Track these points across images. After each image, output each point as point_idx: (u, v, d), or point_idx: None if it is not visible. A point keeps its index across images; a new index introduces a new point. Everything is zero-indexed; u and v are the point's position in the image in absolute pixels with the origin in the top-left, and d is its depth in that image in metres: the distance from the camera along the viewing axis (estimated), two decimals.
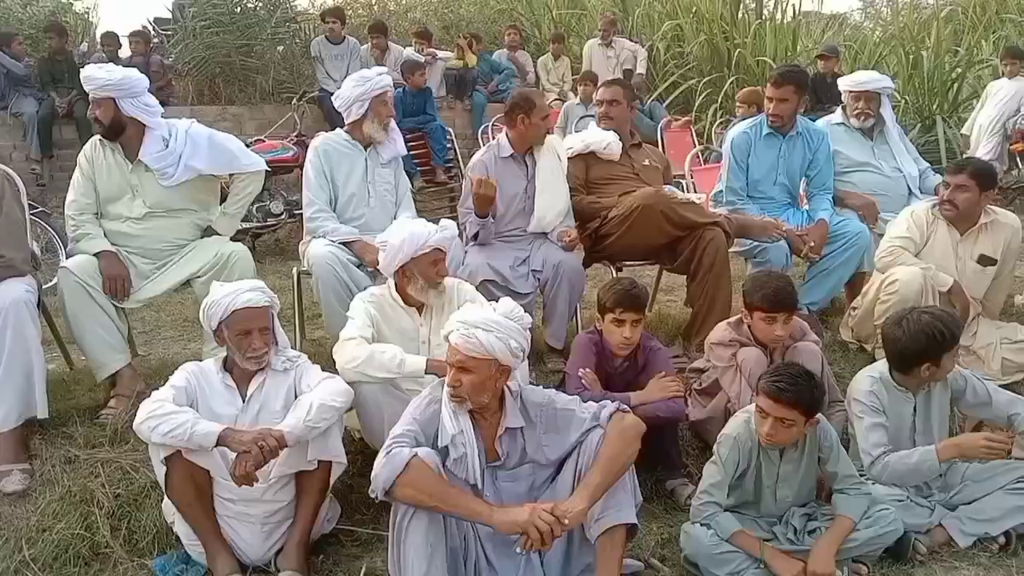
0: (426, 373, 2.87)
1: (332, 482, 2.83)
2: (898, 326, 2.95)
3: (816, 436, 2.79)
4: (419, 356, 2.94)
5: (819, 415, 2.74)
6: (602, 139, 4.32)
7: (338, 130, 4.12)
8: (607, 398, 2.98)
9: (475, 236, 3.98)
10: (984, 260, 3.87)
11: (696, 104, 9.05)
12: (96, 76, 3.47)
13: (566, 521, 2.28)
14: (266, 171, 4.09)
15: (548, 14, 11.75)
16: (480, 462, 2.49)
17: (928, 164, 4.85)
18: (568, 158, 4.29)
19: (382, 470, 2.31)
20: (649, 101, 9.01)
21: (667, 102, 9.40)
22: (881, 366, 3.05)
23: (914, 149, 4.93)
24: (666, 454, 3.18)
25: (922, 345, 2.89)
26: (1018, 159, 7.70)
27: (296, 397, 2.80)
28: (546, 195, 4.05)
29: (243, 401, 2.81)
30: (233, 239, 3.85)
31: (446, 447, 2.46)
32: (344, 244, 3.76)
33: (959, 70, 9.06)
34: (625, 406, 2.61)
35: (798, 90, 4.35)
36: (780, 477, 2.82)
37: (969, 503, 2.90)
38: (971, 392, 3.04)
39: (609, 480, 2.41)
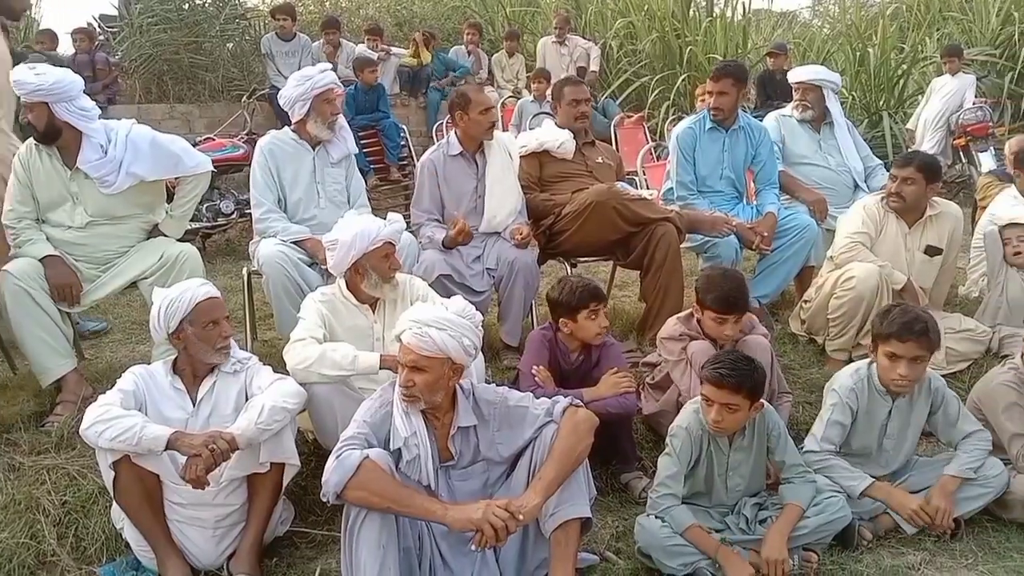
0: (380, 369, 2.86)
1: (285, 484, 2.79)
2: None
3: (764, 424, 2.83)
4: (372, 353, 2.92)
5: (763, 400, 2.78)
6: (556, 137, 4.33)
7: (285, 129, 4.05)
8: (560, 395, 3.01)
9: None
10: (931, 250, 3.99)
11: (649, 101, 9.11)
12: (26, 81, 3.26)
13: (520, 517, 2.28)
14: (216, 170, 4.02)
15: (502, 11, 11.75)
16: (433, 462, 2.48)
17: (880, 162, 4.96)
18: (522, 156, 4.30)
19: (333, 473, 2.29)
20: (603, 98, 9.07)
21: (620, 99, 9.47)
22: (867, 365, 3.08)
23: (865, 145, 5.04)
24: (620, 448, 3.21)
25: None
26: (961, 153, 7.90)
27: (247, 399, 2.76)
28: (496, 194, 4.05)
29: (193, 404, 2.77)
30: (183, 239, 3.76)
31: (399, 449, 2.44)
32: (295, 243, 3.72)
33: (904, 67, 9.27)
34: (578, 400, 2.62)
35: (736, 83, 4.46)
36: (730, 466, 2.85)
37: (915, 492, 2.95)
38: (943, 411, 3.05)
39: (563, 475, 2.42)
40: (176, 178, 3.79)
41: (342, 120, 4.08)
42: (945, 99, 8.01)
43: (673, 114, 8.77)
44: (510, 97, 9.09)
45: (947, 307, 4.36)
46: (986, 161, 7.18)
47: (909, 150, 6.82)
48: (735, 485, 2.88)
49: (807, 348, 4.18)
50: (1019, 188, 4.51)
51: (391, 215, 3.16)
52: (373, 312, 3.13)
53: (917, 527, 2.86)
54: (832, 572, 2.71)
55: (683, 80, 9.14)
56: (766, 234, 4.24)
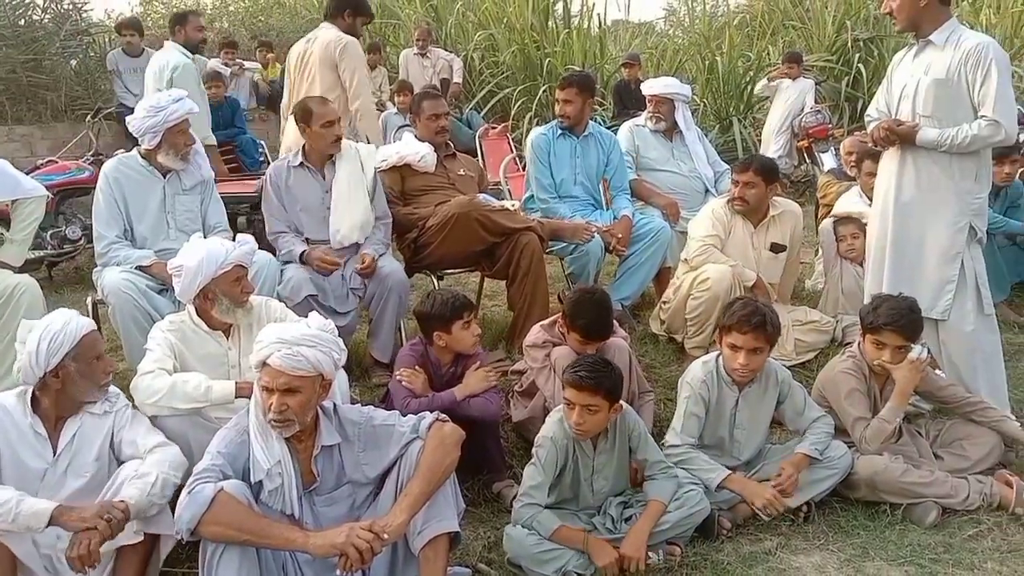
0: (236, 398, 2.76)
1: (164, 557, 2.59)
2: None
3: (625, 425, 2.91)
4: (227, 381, 2.82)
5: (623, 402, 2.86)
6: (416, 151, 4.32)
7: (134, 152, 3.78)
8: (433, 398, 3.02)
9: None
10: (776, 248, 4.22)
11: (512, 112, 9.22)
12: None
13: (385, 536, 2.26)
14: (62, 194, 3.77)
15: None
16: (298, 490, 2.41)
17: (728, 167, 5.21)
18: (383, 170, 4.27)
19: (185, 509, 2.20)
20: (467, 110, 9.12)
21: (485, 110, 9.54)
22: (715, 358, 3.20)
23: (714, 152, 5.30)
24: (490, 457, 3.22)
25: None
26: (805, 154, 8.38)
27: (111, 447, 2.57)
28: (341, 208, 3.95)
29: (54, 453, 2.53)
30: (26, 269, 3.53)
31: (260, 481, 2.36)
32: (140, 268, 3.53)
33: (751, 73, 9.75)
34: (444, 416, 2.61)
35: (581, 92, 4.65)
36: (596, 469, 2.92)
37: (769, 479, 3.09)
38: (790, 401, 3.22)
39: (429, 490, 2.40)
40: (11, 202, 3.55)
41: (197, 145, 3.86)
42: (787, 104, 8.49)
43: (536, 124, 8.91)
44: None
45: (794, 300, 4.62)
46: (828, 161, 7.65)
47: (748, 154, 7.16)
48: (600, 487, 2.95)
49: (667, 347, 4.33)
50: (861, 187, 4.82)
51: (241, 236, 3.06)
52: (227, 338, 3.01)
53: (770, 516, 3.00)
54: (695, 563, 2.81)
55: (544, 91, 9.29)
56: (621, 236, 4.39)
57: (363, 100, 4.96)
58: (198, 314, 2.99)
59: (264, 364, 2.38)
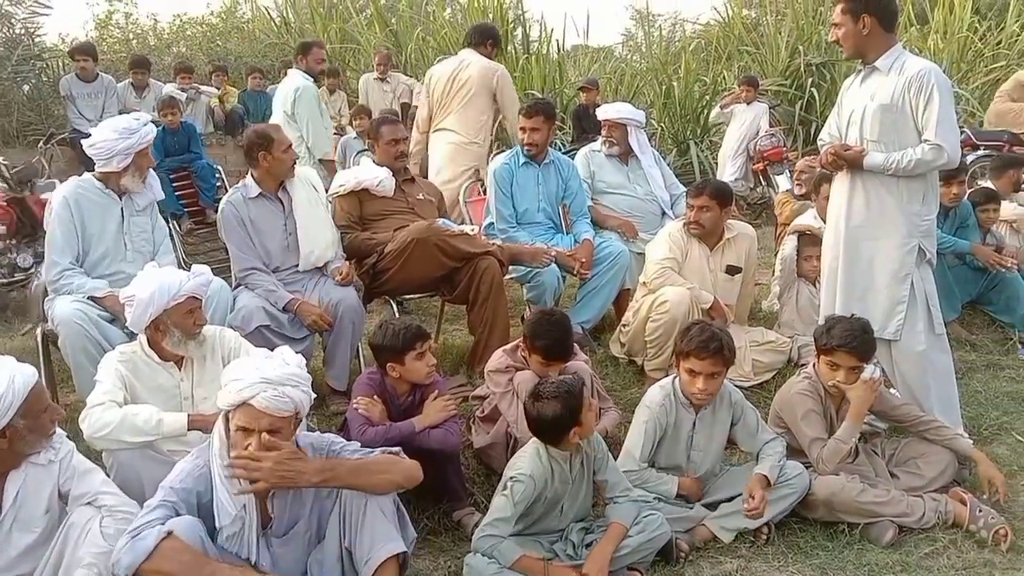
0: (189, 430, 2.70)
1: None
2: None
3: (590, 446, 2.91)
4: (179, 413, 2.76)
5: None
6: (375, 175, 4.31)
7: (89, 176, 3.76)
8: (391, 427, 2.98)
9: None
10: (731, 270, 4.27)
11: None
12: None
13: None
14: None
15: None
16: (256, 532, 2.35)
17: (684, 189, 5.26)
18: (341, 195, 4.26)
19: (124, 554, 2.13)
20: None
21: None
22: (672, 381, 3.22)
23: (671, 174, 5.38)
24: (450, 486, 3.18)
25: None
26: (761, 177, 8.52)
27: (60, 496, 2.42)
28: (308, 229, 3.95)
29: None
30: None
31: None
32: (93, 299, 3.47)
33: (707, 97, 9.91)
34: (402, 454, 2.57)
35: (547, 120, 4.72)
36: (569, 494, 2.91)
37: (728, 499, 3.11)
38: (743, 423, 3.25)
39: (357, 476, 2.37)
40: None
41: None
42: (743, 127, 8.64)
43: (497, 148, 8.94)
44: (333, 134, 8.98)
45: (751, 321, 4.67)
46: (782, 183, 7.78)
47: (703, 178, 7.23)
48: (568, 511, 2.93)
49: (627, 370, 4.35)
50: (817, 211, 4.91)
51: (196, 267, 3.01)
52: (179, 369, 2.95)
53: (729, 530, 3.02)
54: None
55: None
56: (584, 260, 4.43)
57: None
58: (150, 345, 2.92)
59: (243, 404, 2.29)
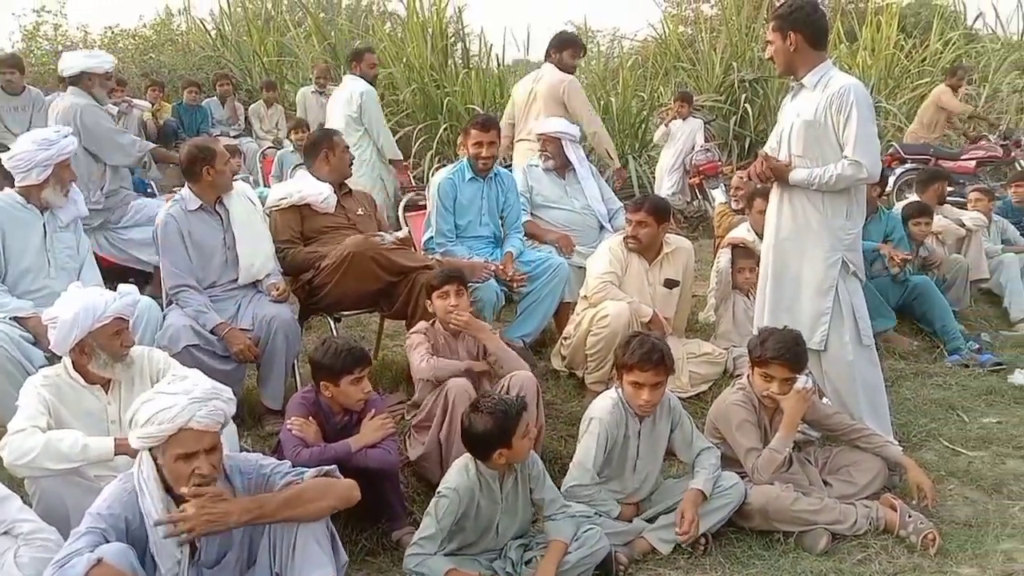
0: (116, 455, 2.61)
1: None
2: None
3: (526, 464, 2.90)
4: (105, 437, 2.67)
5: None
6: (318, 191, 4.25)
7: (9, 191, 3.68)
8: (326, 448, 2.93)
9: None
10: (669, 283, 4.34)
11: (413, 150, 9.23)
12: None
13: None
14: None
15: (258, 61, 11.48)
16: (184, 562, 2.28)
17: (622, 204, 5.35)
18: (281, 209, 4.19)
19: None
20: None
21: None
22: (617, 391, 3.24)
23: (608, 189, 5.45)
24: (389, 505, 3.14)
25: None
26: (697, 191, 8.66)
27: None
28: (247, 241, 3.88)
29: None
30: None
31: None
32: (15, 320, 3.35)
33: (645, 112, 10.06)
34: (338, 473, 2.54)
35: (499, 134, 4.76)
36: (503, 510, 2.89)
37: (667, 511, 3.14)
38: (680, 430, 3.30)
39: (287, 509, 2.31)
40: None
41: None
42: (679, 143, 8.77)
43: (438, 162, 8.93)
44: (270, 148, 8.88)
45: (688, 333, 4.73)
46: (718, 196, 7.91)
47: (642, 194, 7.33)
48: (506, 528, 2.92)
49: (568, 382, 4.37)
50: (751, 224, 5.00)
51: (123, 287, 2.92)
52: (106, 392, 2.85)
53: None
54: None
55: (445, 129, 9.34)
56: (511, 273, 4.43)
57: (597, 127, 6.19)
58: (75, 367, 2.82)
59: (178, 432, 2.23)
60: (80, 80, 4.87)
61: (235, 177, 4.17)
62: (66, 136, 3.64)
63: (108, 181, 4.87)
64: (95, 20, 24.32)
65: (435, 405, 3.31)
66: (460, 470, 2.82)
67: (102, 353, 2.78)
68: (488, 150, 4.61)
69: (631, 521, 3.15)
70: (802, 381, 3.28)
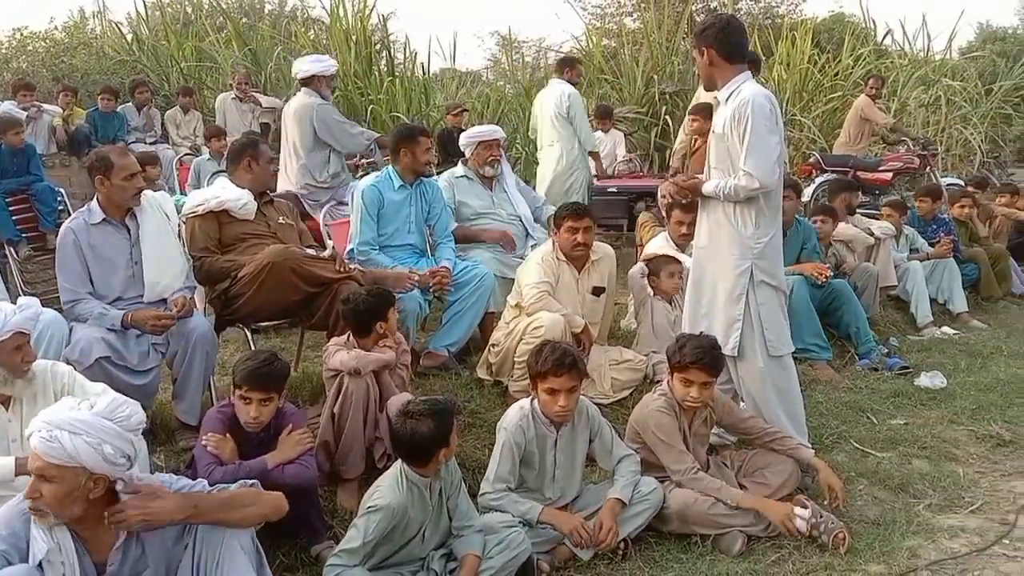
0: (17, 475, 2.50)
1: None
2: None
3: (447, 472, 2.89)
4: (6, 457, 2.56)
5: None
6: (238, 197, 4.15)
7: None
8: (241, 466, 2.86)
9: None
10: (597, 291, 4.40)
11: None
12: None
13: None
14: None
15: (176, 67, 11.18)
16: None
17: (545, 197, 5.58)
18: (198, 216, 4.08)
19: None
20: None
21: None
22: (530, 401, 3.24)
23: (530, 190, 5.57)
24: (307, 520, 3.08)
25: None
26: None
27: None
28: (156, 258, 3.74)
29: None
30: None
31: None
32: None
33: None
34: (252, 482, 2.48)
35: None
36: (431, 520, 2.87)
37: (587, 518, 3.16)
38: (599, 438, 3.33)
39: (224, 511, 2.27)
40: None
41: None
42: (602, 154, 8.87)
43: (363, 170, 8.84)
44: (187, 155, 8.67)
45: (610, 340, 4.79)
46: (638, 206, 8.06)
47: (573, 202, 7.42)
48: (430, 538, 2.90)
49: (492, 391, 4.37)
50: (669, 233, 5.09)
51: (23, 299, 2.80)
52: (7, 409, 2.73)
53: (585, 547, 3.06)
54: None
55: None
56: (441, 278, 4.45)
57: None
58: None
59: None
60: (311, 82, 5.95)
61: (156, 187, 4.02)
62: None
63: (332, 165, 5.97)
64: (2, 22, 23.36)
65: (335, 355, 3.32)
66: (392, 486, 2.78)
67: (1, 370, 2.66)
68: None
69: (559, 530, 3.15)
70: (804, 513, 3.19)
